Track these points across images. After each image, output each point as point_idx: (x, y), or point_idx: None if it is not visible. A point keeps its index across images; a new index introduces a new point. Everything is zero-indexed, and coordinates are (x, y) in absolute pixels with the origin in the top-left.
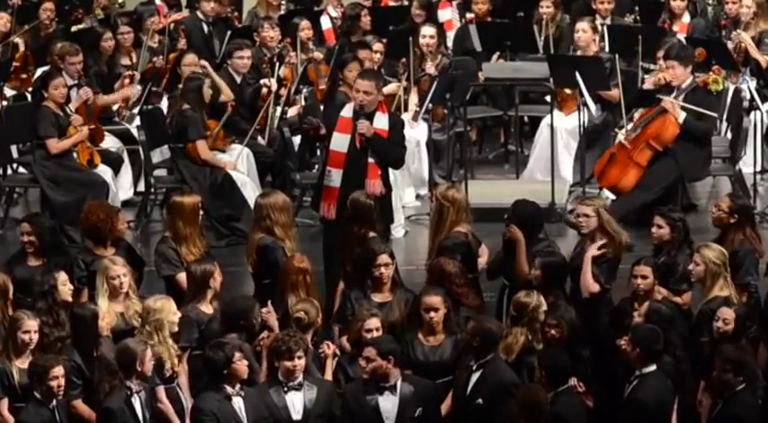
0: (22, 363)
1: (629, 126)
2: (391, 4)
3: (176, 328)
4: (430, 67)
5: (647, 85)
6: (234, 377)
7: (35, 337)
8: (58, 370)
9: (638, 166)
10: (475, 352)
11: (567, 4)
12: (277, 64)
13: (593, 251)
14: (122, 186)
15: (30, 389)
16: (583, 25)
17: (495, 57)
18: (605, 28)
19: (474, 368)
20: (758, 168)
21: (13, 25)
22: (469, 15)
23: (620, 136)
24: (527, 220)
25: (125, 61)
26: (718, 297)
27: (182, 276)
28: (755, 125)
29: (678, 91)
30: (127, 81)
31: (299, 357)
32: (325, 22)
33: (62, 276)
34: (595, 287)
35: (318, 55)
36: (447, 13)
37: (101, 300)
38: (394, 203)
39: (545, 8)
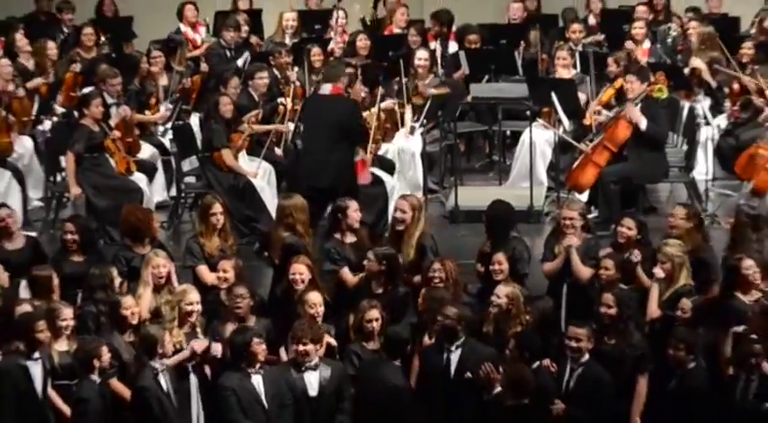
0: (60, 346)
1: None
2: (396, 31)
3: (192, 318)
4: (423, 87)
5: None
6: (252, 358)
7: (71, 323)
8: (105, 350)
9: (596, 166)
10: (452, 336)
11: (545, 31)
12: (292, 84)
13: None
14: (156, 190)
15: (75, 368)
16: (564, 53)
17: (485, 79)
18: (577, 53)
19: (453, 349)
20: (709, 176)
21: (59, 52)
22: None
23: (583, 146)
24: (500, 217)
25: (160, 82)
26: (686, 285)
27: (201, 268)
28: (707, 139)
29: (632, 100)
30: (153, 101)
31: (305, 343)
32: (334, 47)
33: (114, 270)
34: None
35: None
36: (432, 44)
37: (141, 288)
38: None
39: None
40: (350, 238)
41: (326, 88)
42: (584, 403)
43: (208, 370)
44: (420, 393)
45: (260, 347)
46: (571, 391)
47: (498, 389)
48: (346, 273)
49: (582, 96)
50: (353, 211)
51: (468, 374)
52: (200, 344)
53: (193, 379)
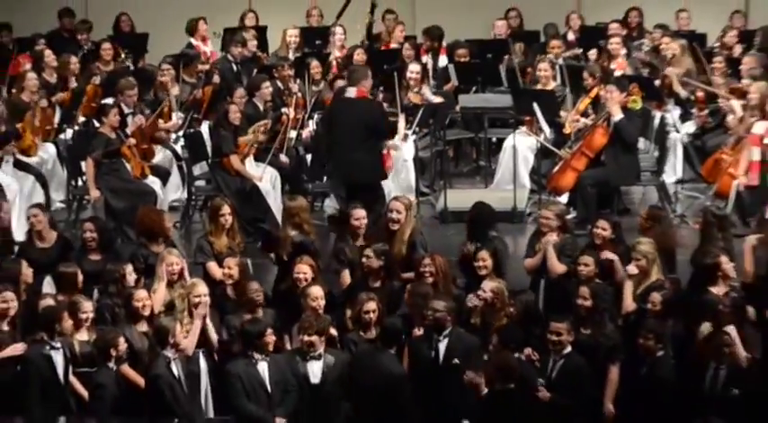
0: (81, 336)
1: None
2: (393, 46)
3: (202, 310)
4: (416, 96)
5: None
6: (263, 347)
7: (91, 315)
8: (122, 340)
9: (575, 170)
10: (441, 327)
11: (528, 45)
12: (294, 95)
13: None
14: (171, 189)
15: (94, 356)
16: (545, 65)
17: (473, 90)
18: (558, 67)
19: (441, 338)
20: (678, 175)
21: (80, 66)
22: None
23: (563, 152)
24: (481, 218)
25: (172, 92)
26: (658, 280)
27: (211, 265)
28: (676, 145)
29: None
30: (166, 109)
31: (310, 335)
32: (332, 61)
33: (129, 267)
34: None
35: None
36: (424, 58)
37: (156, 284)
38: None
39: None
40: (359, 243)
41: (352, 92)
42: (567, 392)
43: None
44: (412, 381)
45: (272, 337)
46: (554, 381)
47: (485, 391)
48: (345, 276)
49: (563, 114)
50: (354, 220)
51: (456, 361)
52: (202, 309)
53: (203, 365)
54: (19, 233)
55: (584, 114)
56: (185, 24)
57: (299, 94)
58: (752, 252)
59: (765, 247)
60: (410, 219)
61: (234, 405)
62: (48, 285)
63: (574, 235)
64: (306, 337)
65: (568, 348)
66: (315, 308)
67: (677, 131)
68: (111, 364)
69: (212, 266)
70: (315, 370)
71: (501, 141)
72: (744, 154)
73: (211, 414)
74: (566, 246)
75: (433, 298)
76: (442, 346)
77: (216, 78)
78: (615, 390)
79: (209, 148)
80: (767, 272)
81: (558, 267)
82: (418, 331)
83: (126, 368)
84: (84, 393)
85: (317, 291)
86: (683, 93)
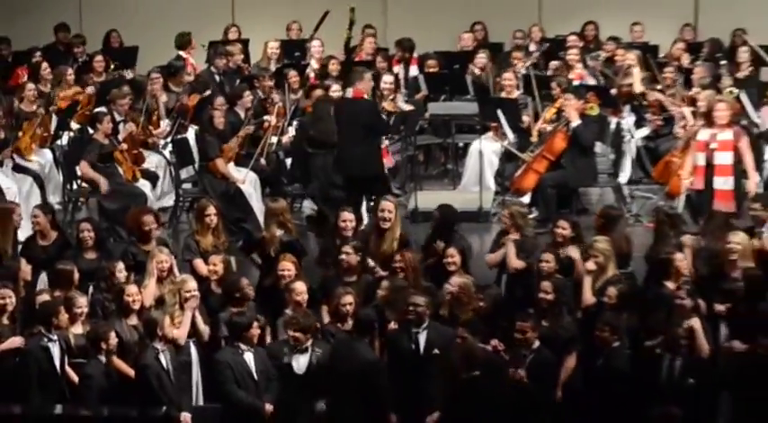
0: (76, 329)
1: (537, 150)
2: (365, 57)
3: (193, 303)
4: (390, 104)
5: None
6: (248, 339)
7: (85, 310)
8: (113, 334)
9: (537, 173)
10: (421, 320)
11: (494, 55)
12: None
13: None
14: (165, 192)
15: (88, 349)
16: (509, 75)
17: (442, 98)
18: (521, 76)
19: (420, 332)
20: (627, 177)
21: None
22: (413, 73)
23: (526, 155)
24: (447, 218)
25: (160, 100)
26: (614, 275)
27: (197, 262)
28: (631, 148)
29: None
30: (154, 118)
31: (296, 331)
32: (309, 72)
33: (120, 265)
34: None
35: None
36: (396, 68)
37: (147, 279)
38: (363, 207)
39: (480, 59)
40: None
41: (349, 92)
42: (537, 383)
43: None
44: (393, 372)
45: (257, 330)
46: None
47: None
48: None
49: (525, 118)
50: (340, 222)
51: (436, 351)
52: (193, 302)
53: (194, 356)
54: (19, 233)
55: (551, 122)
56: (174, 38)
57: (280, 103)
58: (691, 252)
59: (706, 246)
60: (399, 217)
61: (225, 391)
62: (41, 282)
63: (536, 234)
64: (292, 333)
65: (537, 343)
66: (299, 302)
67: (632, 136)
68: (102, 357)
69: (198, 263)
70: (300, 362)
71: (467, 146)
72: (689, 159)
73: (201, 402)
74: (525, 243)
75: (413, 293)
76: (422, 338)
77: (208, 92)
78: (567, 378)
79: (195, 154)
80: (709, 270)
81: (516, 263)
82: (393, 325)
83: (116, 360)
84: None
85: (300, 286)
86: (640, 88)
